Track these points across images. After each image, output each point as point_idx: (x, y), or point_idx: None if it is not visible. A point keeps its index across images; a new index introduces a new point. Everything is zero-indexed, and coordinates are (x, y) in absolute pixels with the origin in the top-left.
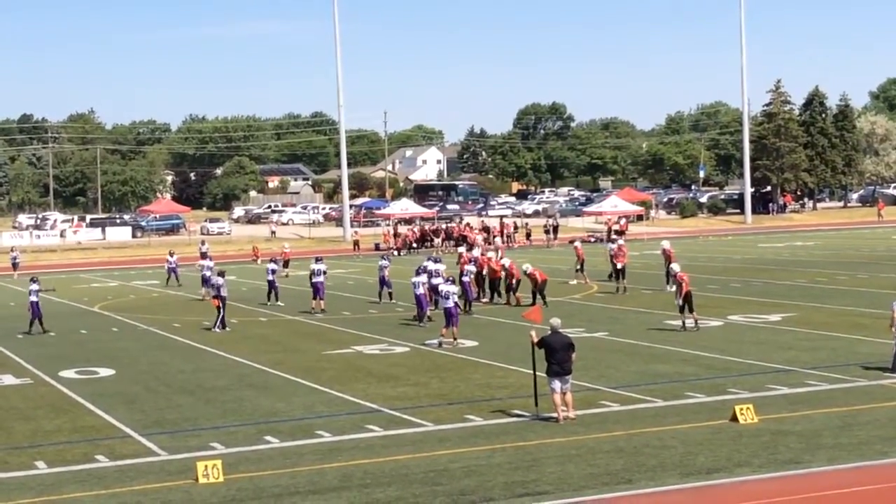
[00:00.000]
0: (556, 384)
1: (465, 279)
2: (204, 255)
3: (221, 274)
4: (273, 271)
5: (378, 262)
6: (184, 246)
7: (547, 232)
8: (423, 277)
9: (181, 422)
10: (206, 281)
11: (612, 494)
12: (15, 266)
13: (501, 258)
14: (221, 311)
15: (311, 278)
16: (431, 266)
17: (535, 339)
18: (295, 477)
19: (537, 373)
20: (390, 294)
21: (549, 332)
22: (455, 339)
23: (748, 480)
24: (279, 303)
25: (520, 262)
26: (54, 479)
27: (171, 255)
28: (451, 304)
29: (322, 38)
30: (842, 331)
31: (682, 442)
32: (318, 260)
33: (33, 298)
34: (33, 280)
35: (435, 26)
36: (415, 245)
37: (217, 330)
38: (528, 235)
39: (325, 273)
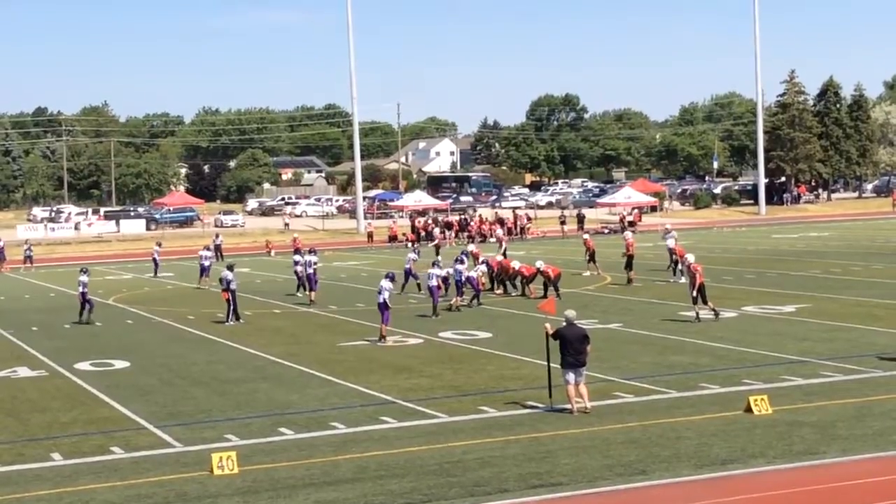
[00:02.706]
0: (571, 376)
1: (473, 275)
2: (217, 247)
3: (230, 268)
4: (297, 262)
5: (407, 255)
6: (198, 238)
7: (562, 223)
8: (437, 269)
9: (196, 413)
10: (204, 270)
11: (627, 486)
12: (29, 259)
13: (504, 251)
14: (232, 303)
15: (304, 269)
16: (459, 266)
17: (551, 331)
18: (310, 468)
19: (551, 364)
20: (418, 285)
21: (564, 323)
22: (382, 336)
23: (763, 471)
24: (298, 294)
25: (534, 255)
26: (70, 471)
27: (159, 245)
28: (380, 299)
29: (335, 29)
30: (857, 322)
31: (696, 433)
32: (311, 252)
33: (82, 290)
34: (83, 271)
35: (448, 18)
36: (424, 235)
37: (231, 322)
38: (522, 230)
39: (316, 264)
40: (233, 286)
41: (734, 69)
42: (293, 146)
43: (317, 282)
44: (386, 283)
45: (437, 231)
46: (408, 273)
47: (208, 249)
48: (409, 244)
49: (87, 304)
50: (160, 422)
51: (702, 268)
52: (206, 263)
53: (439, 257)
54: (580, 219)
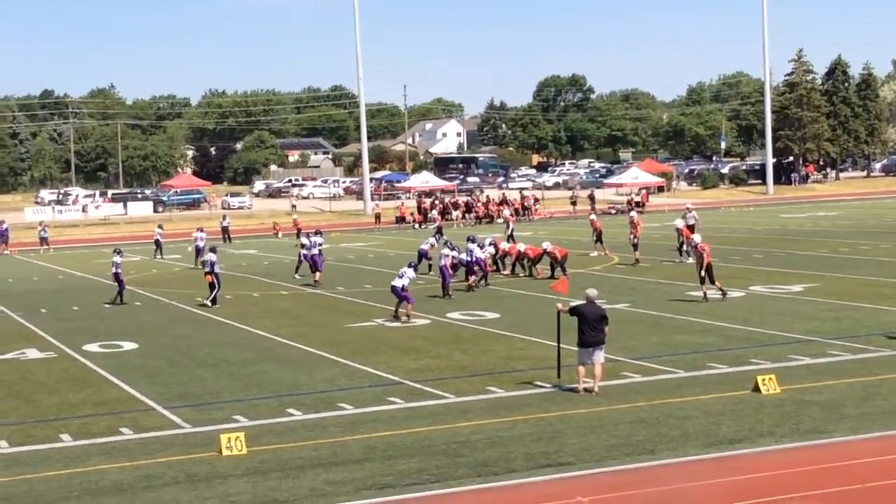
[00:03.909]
0: (585, 355)
1: (482, 255)
2: (224, 229)
3: (213, 250)
4: (304, 245)
5: (428, 238)
6: (205, 220)
7: (573, 203)
8: (447, 249)
9: (204, 395)
10: (200, 251)
11: (635, 465)
12: (44, 241)
13: (511, 231)
14: (217, 286)
15: (309, 251)
16: (470, 246)
17: (565, 309)
18: (318, 449)
19: (564, 345)
20: (429, 266)
21: (585, 301)
22: (396, 316)
23: (771, 451)
24: (296, 276)
25: (541, 236)
26: (80, 452)
27: (160, 227)
28: (396, 283)
29: (341, 11)
30: (864, 301)
31: (704, 412)
32: (317, 233)
33: (115, 270)
34: (117, 251)
35: None
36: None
37: (209, 304)
38: (527, 210)
39: (321, 246)
40: (217, 269)
41: (742, 48)
42: (300, 128)
43: (322, 263)
44: (409, 272)
45: (434, 213)
46: (422, 254)
47: (201, 231)
48: (417, 225)
49: (119, 285)
50: (169, 403)
51: (709, 248)
52: (201, 244)
53: (436, 235)
54: (592, 198)
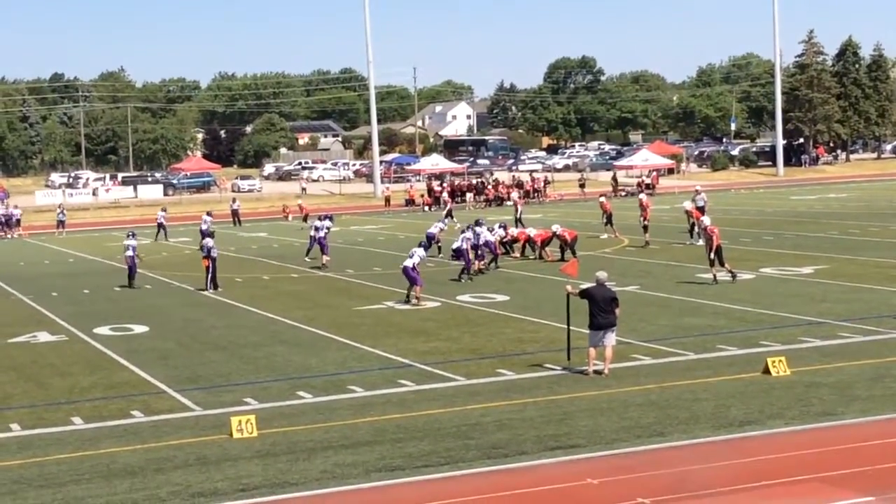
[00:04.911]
0: (596, 338)
1: (492, 238)
2: (234, 212)
3: (211, 234)
4: (316, 228)
5: (436, 222)
6: (215, 203)
7: (582, 186)
8: (468, 234)
9: (215, 378)
10: (205, 234)
11: (645, 447)
12: (61, 224)
13: (520, 215)
14: (211, 271)
15: (316, 234)
16: (478, 229)
17: (575, 292)
18: (328, 431)
19: (574, 327)
20: (439, 248)
21: (595, 284)
22: (408, 299)
23: (781, 432)
24: (307, 258)
25: (551, 218)
26: (91, 435)
27: (164, 210)
28: (407, 263)
29: None
30: (875, 282)
31: (714, 395)
32: (327, 217)
33: (129, 253)
34: (131, 235)
35: None
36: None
37: (210, 292)
38: (535, 192)
39: (328, 230)
40: (213, 254)
41: (752, 30)
42: (310, 111)
43: (320, 246)
44: (419, 251)
45: (445, 196)
46: (430, 237)
47: (210, 214)
48: (427, 208)
49: (132, 269)
50: (179, 386)
51: (718, 230)
52: (205, 227)
53: (447, 218)
54: (615, 180)
